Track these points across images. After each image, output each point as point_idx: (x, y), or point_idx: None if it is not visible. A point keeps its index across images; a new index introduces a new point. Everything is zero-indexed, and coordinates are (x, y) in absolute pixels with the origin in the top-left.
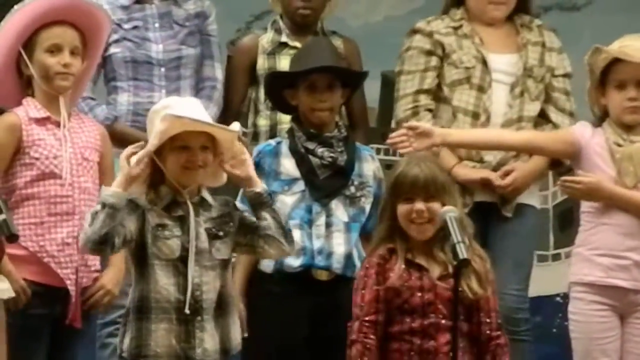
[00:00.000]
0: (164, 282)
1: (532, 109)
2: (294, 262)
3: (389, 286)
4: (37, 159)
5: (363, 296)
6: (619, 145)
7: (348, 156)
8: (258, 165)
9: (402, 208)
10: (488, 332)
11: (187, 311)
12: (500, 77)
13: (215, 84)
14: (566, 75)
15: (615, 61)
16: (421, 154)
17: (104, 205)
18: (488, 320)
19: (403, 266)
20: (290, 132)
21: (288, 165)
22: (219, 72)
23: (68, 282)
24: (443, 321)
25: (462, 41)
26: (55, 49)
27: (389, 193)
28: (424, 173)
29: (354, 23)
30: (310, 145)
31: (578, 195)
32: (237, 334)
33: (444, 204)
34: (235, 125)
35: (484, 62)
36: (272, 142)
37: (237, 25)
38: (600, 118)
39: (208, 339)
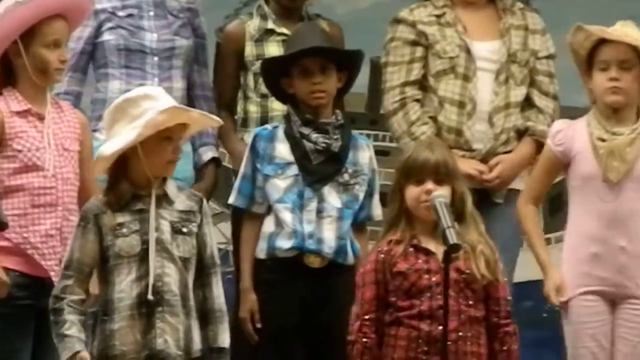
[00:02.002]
0: (126, 280)
1: (519, 94)
2: (285, 244)
3: (395, 272)
4: (19, 151)
5: (363, 293)
6: (603, 140)
7: (343, 143)
8: (253, 148)
9: (411, 190)
10: (496, 319)
11: (150, 297)
12: (485, 65)
13: (207, 93)
14: (550, 57)
15: (600, 43)
16: (431, 139)
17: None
18: (496, 308)
19: (411, 249)
20: (287, 117)
21: (282, 150)
22: (208, 79)
23: (52, 273)
24: (451, 304)
25: (445, 30)
26: (55, 45)
27: (399, 176)
28: (435, 156)
29: (342, 9)
30: (305, 131)
31: None
32: (198, 340)
33: (453, 188)
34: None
35: (468, 51)
36: (269, 126)
37: (226, 12)
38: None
39: (170, 331)
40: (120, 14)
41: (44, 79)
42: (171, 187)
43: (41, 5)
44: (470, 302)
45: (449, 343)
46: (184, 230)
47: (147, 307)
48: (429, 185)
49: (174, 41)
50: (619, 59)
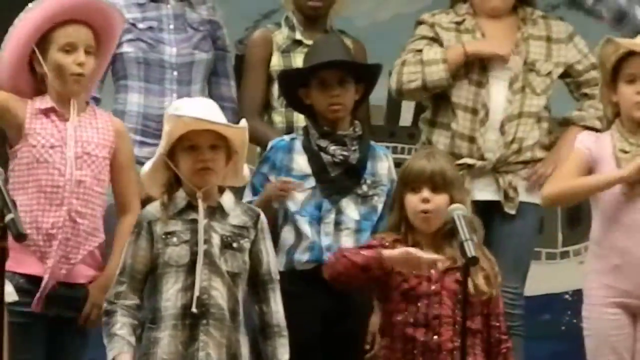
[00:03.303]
0: (172, 289)
1: (535, 104)
2: (302, 256)
3: (397, 270)
4: (33, 146)
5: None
6: (625, 152)
7: (361, 154)
8: (269, 160)
9: (409, 198)
10: (498, 335)
11: (194, 310)
12: (499, 73)
13: (234, 105)
14: (586, 57)
15: (627, 56)
16: (433, 148)
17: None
18: (497, 324)
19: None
20: (305, 129)
21: (300, 162)
22: (234, 92)
23: (46, 276)
24: (447, 313)
25: (463, 36)
26: (70, 48)
27: (398, 184)
28: (431, 165)
29: (361, 22)
30: (323, 143)
31: None
32: (247, 356)
33: (451, 198)
34: (243, 122)
35: (482, 58)
36: (287, 137)
37: (246, 24)
38: (610, 121)
39: (213, 345)
40: (141, 26)
41: (63, 84)
42: (227, 200)
43: (48, 8)
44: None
45: (444, 353)
46: (234, 245)
47: (192, 319)
48: (425, 193)
49: (194, 55)
50: None
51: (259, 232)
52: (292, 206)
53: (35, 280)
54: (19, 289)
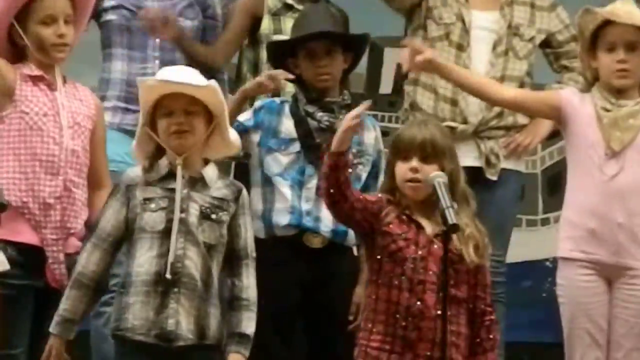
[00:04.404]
0: (146, 255)
1: (518, 67)
2: (282, 219)
3: (386, 230)
4: (26, 113)
5: None
6: (607, 110)
7: None
8: (258, 117)
9: (398, 166)
10: (483, 306)
11: (167, 276)
12: (482, 35)
13: (222, 76)
14: (567, 28)
15: (606, 24)
16: (426, 118)
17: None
18: (483, 295)
19: (404, 217)
20: (294, 94)
21: (288, 125)
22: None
23: (45, 242)
24: (432, 279)
25: None
26: (49, 20)
27: (390, 152)
28: (422, 134)
29: None
30: (310, 109)
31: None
32: (216, 327)
33: (441, 168)
34: (212, 82)
35: (465, 20)
36: (277, 100)
37: None
38: (590, 83)
39: (183, 312)
40: None
41: (45, 56)
42: (210, 172)
43: None
44: (452, 282)
45: (427, 319)
46: (213, 217)
47: (164, 286)
48: (414, 162)
49: (178, 22)
50: (626, 40)
51: (239, 207)
52: (274, 167)
53: (28, 251)
54: (10, 262)
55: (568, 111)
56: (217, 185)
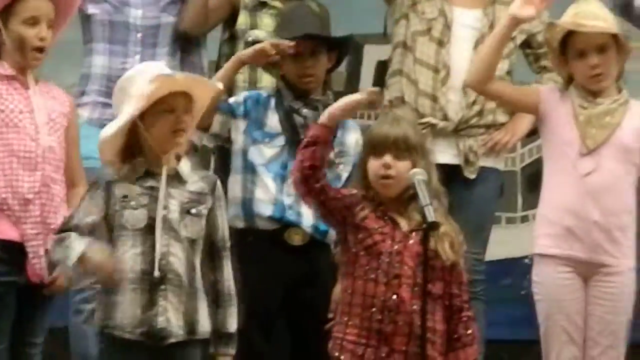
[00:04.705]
0: (130, 252)
1: (499, 67)
2: (265, 210)
3: (362, 225)
4: (1, 110)
5: None
6: (584, 108)
7: None
8: (246, 106)
9: (371, 162)
10: (459, 303)
11: (156, 274)
12: (464, 33)
13: (203, 74)
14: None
15: (572, 33)
16: (399, 113)
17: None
18: (458, 292)
19: (379, 213)
20: (277, 90)
21: (274, 119)
22: (205, 61)
23: (25, 237)
24: (407, 274)
25: None
26: (33, 21)
27: (363, 148)
28: (394, 131)
29: None
30: (296, 105)
31: None
32: (205, 321)
33: (414, 165)
34: (219, 84)
35: (447, 17)
36: (264, 92)
37: None
38: (568, 82)
39: (172, 309)
40: None
41: (23, 56)
42: (184, 167)
43: None
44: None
45: (402, 313)
46: (193, 211)
47: (150, 284)
48: (387, 159)
49: (160, 18)
50: (595, 44)
51: (216, 199)
52: (257, 159)
53: (9, 248)
54: None
55: (546, 107)
56: (193, 179)
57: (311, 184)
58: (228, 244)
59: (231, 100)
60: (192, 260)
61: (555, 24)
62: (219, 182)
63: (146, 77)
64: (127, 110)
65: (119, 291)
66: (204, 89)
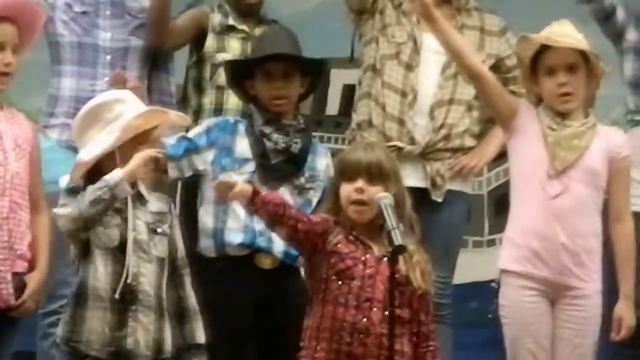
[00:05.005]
0: (101, 270)
1: (467, 92)
2: (235, 238)
3: (334, 250)
4: None
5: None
6: (553, 130)
7: (303, 145)
8: (211, 135)
9: (344, 187)
10: (426, 331)
11: (116, 296)
12: (433, 57)
13: (172, 100)
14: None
15: (544, 48)
16: (372, 140)
17: (109, 188)
18: (425, 320)
19: (351, 237)
20: (248, 114)
21: (243, 145)
22: (174, 87)
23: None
24: (379, 297)
25: (402, 17)
26: None
27: (335, 173)
28: (367, 156)
29: (287, 10)
30: (266, 130)
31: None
32: (169, 340)
33: (386, 190)
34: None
35: (416, 41)
36: (231, 119)
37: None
38: (536, 104)
39: (141, 330)
40: (76, 9)
41: None
42: (143, 189)
43: None
44: (397, 303)
45: (372, 336)
46: (159, 230)
47: (121, 304)
48: (359, 183)
49: (129, 41)
50: (565, 62)
51: (173, 218)
52: None
53: None
54: None
55: (521, 122)
56: (152, 199)
57: (280, 227)
58: (187, 261)
59: (190, 134)
60: (161, 279)
61: (528, 37)
62: (172, 202)
63: (130, 108)
64: (104, 136)
65: (87, 307)
66: (177, 121)
